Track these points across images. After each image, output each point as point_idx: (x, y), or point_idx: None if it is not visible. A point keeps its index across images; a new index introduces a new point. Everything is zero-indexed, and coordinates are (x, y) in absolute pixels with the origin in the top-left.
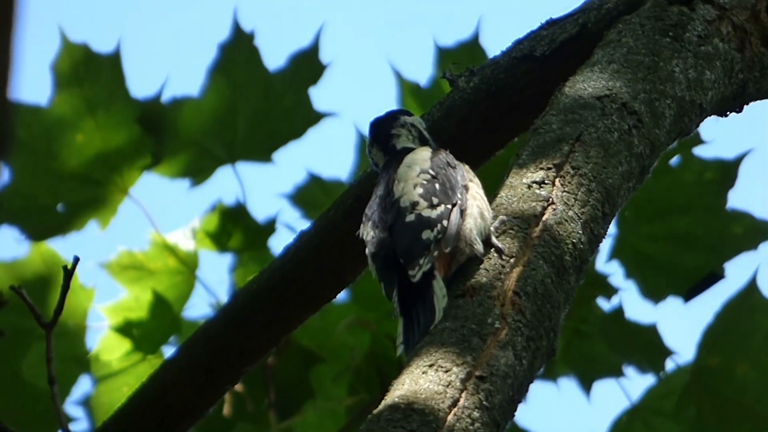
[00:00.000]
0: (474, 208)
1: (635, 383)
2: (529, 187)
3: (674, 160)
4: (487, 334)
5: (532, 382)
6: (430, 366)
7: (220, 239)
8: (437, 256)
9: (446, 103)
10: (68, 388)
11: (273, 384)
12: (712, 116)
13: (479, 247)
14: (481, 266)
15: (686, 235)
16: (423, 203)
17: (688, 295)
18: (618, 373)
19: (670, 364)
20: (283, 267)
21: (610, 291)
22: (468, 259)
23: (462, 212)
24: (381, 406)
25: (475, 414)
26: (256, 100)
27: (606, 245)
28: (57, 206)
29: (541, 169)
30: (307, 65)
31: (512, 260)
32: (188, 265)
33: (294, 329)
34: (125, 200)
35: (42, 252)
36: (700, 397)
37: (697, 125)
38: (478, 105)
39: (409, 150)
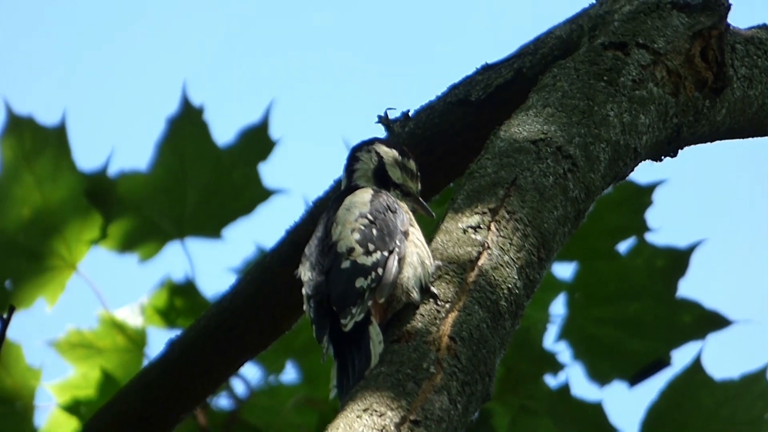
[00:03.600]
0: (414, 256)
1: None
2: (465, 231)
3: (626, 247)
4: (422, 378)
5: (466, 426)
6: (365, 410)
7: (168, 316)
8: (372, 304)
9: None
10: None
11: None
12: (647, 160)
13: (416, 295)
14: (417, 311)
15: (635, 320)
16: (359, 249)
17: (634, 380)
18: None
19: None
20: (219, 315)
21: (556, 367)
22: (404, 304)
23: (400, 260)
24: None
25: None
26: (205, 175)
27: (555, 325)
28: (5, 283)
29: (477, 213)
30: (257, 141)
31: (448, 305)
32: (137, 343)
33: (230, 377)
34: (73, 276)
35: None
36: None
37: (632, 169)
38: (413, 150)
39: (356, 188)
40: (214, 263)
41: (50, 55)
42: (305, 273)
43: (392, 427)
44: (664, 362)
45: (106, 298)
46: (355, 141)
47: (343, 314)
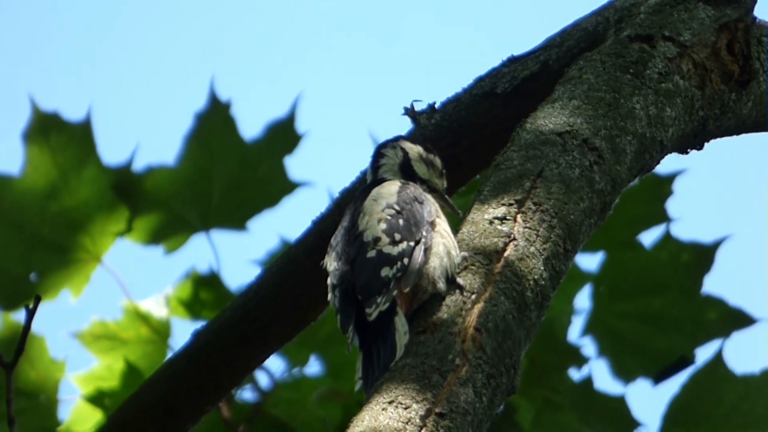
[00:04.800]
0: (440, 246)
1: None
2: (491, 222)
3: (651, 240)
4: (448, 370)
5: (491, 419)
6: (390, 402)
7: (193, 307)
8: (397, 294)
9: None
10: None
11: None
12: (673, 153)
13: (442, 286)
14: (443, 302)
15: (660, 316)
16: (385, 239)
17: (658, 378)
18: None
19: None
20: (245, 305)
21: (581, 361)
22: (430, 295)
23: (426, 250)
24: None
25: None
26: (231, 168)
27: (580, 320)
28: (30, 275)
29: (503, 204)
30: (283, 135)
31: (473, 296)
32: (161, 334)
33: (256, 368)
34: (98, 268)
35: (11, 324)
36: None
37: (658, 162)
38: (440, 142)
39: (382, 181)
40: (239, 255)
41: (76, 51)
42: (331, 263)
43: (417, 420)
44: (687, 360)
45: (130, 289)
46: (381, 134)
47: (368, 303)
